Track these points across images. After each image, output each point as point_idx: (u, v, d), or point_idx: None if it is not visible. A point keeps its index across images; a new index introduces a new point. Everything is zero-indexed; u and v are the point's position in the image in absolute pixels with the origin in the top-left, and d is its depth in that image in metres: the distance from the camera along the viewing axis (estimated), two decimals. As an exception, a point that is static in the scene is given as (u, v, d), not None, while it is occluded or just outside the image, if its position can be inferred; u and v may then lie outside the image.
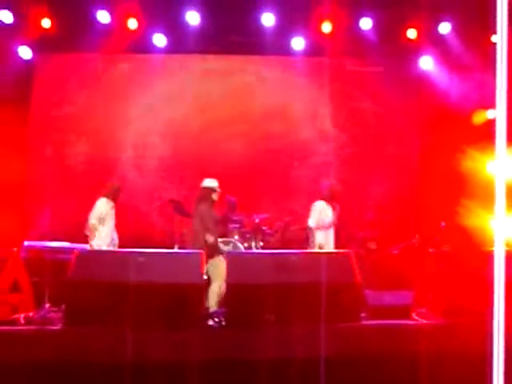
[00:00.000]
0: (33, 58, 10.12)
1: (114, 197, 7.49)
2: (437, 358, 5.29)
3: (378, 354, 5.44)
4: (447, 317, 6.01)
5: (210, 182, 7.40)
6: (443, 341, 5.53)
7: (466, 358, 5.27)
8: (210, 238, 7.01)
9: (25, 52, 9.95)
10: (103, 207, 7.33)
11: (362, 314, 6.10)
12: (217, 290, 6.81)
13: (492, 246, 5.00)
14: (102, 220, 7.28)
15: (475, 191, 8.63)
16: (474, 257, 6.51)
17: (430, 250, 7.65)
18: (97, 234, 7.22)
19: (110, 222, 7.37)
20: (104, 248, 7.17)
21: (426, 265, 7.00)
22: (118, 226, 7.63)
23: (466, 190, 8.79)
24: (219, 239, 8.17)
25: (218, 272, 6.85)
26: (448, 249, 8.05)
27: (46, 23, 9.58)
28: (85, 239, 7.29)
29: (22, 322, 6.02)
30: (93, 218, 7.23)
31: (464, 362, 5.27)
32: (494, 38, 9.24)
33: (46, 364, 5.20)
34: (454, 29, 9.76)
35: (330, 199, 7.87)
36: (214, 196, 7.33)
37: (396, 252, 8.92)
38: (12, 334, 5.56)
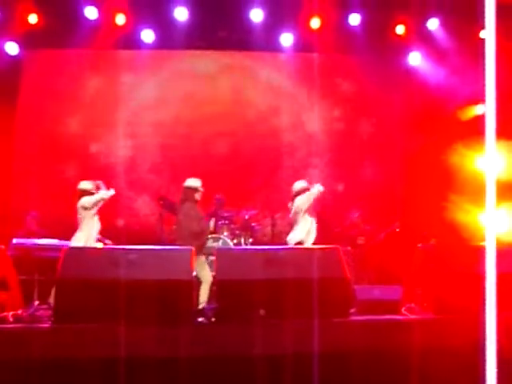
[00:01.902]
0: (20, 53, 10.04)
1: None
2: (426, 352, 5.32)
3: (368, 348, 5.45)
4: (436, 312, 6.04)
5: (192, 182, 7.30)
6: (433, 336, 5.55)
7: (455, 352, 5.32)
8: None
9: (11, 48, 9.86)
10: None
11: (352, 309, 6.12)
12: (207, 288, 6.84)
13: (481, 241, 5.02)
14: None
15: (463, 186, 8.68)
16: (463, 251, 6.55)
17: (419, 245, 7.68)
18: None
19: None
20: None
21: (414, 260, 7.02)
22: (110, 223, 7.58)
23: (454, 185, 8.84)
24: (209, 235, 8.20)
25: (204, 274, 6.88)
26: (436, 243, 8.09)
27: (32, 19, 9.51)
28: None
29: (11, 320, 5.98)
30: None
31: (454, 357, 5.30)
32: (482, 34, 9.32)
33: (35, 362, 5.16)
34: (442, 24, 9.79)
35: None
36: (197, 195, 7.25)
37: (381, 238, 8.97)
38: (0, 331, 5.52)
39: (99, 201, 6.95)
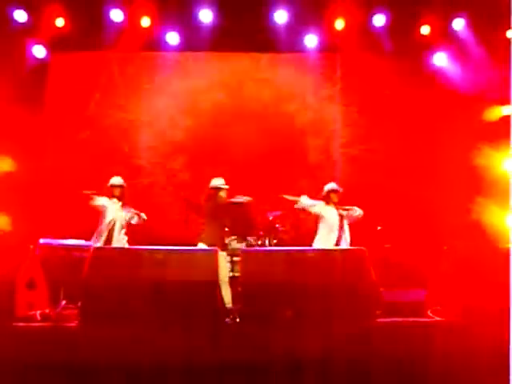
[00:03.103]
0: (47, 56, 10.17)
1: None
2: (452, 355, 5.27)
3: (394, 351, 5.42)
4: (463, 314, 5.98)
5: (213, 182, 7.55)
6: (459, 338, 5.50)
7: (481, 355, 5.26)
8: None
9: (39, 51, 9.99)
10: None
11: (378, 312, 6.08)
12: (225, 288, 6.93)
13: (507, 243, 4.97)
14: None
15: (490, 188, 8.60)
16: (489, 254, 6.49)
17: (444, 248, 7.62)
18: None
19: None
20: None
21: (440, 262, 6.97)
22: (134, 225, 7.68)
23: (480, 187, 8.76)
24: (232, 237, 8.27)
25: (222, 273, 6.95)
26: (461, 246, 8.01)
27: (59, 22, 9.62)
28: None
29: (39, 318, 6.08)
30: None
31: (479, 360, 5.25)
32: (508, 34, 9.21)
33: (61, 360, 5.23)
34: (467, 24, 9.68)
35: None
36: (222, 193, 7.43)
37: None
38: (29, 330, 5.60)
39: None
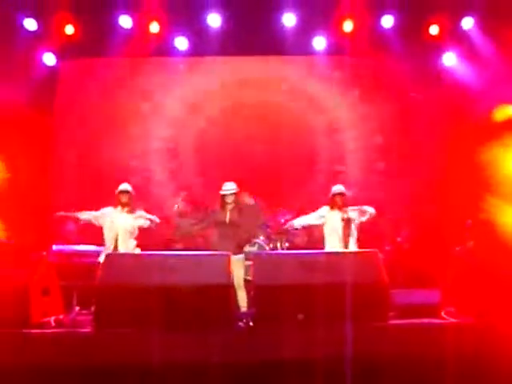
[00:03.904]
0: (57, 64, 10.26)
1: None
2: (467, 357, 5.25)
3: (407, 353, 5.40)
4: (476, 315, 5.96)
5: (223, 187, 7.48)
6: (474, 340, 5.47)
7: (496, 356, 5.23)
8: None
9: (49, 59, 10.08)
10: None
11: (391, 314, 6.07)
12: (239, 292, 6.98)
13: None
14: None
15: (500, 187, 8.57)
16: (502, 253, 6.46)
17: (457, 248, 7.59)
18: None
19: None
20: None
21: (453, 263, 6.95)
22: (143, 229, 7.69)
23: (490, 186, 8.72)
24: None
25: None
26: (474, 246, 7.98)
27: (69, 30, 9.69)
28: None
29: (53, 324, 6.12)
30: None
31: (495, 363, 5.22)
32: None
33: (76, 366, 5.26)
34: (476, 24, 9.65)
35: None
36: (227, 199, 7.38)
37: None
38: (43, 336, 5.64)
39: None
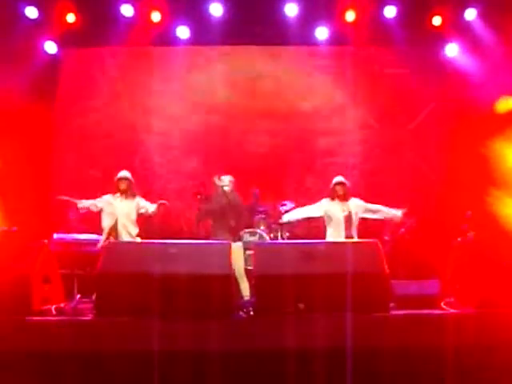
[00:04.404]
0: (58, 52, 10.23)
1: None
2: (466, 347, 5.27)
3: (407, 344, 5.42)
4: (477, 306, 5.96)
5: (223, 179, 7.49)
6: (473, 330, 5.48)
7: (496, 347, 5.25)
8: None
9: (50, 47, 10.06)
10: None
11: (391, 304, 6.07)
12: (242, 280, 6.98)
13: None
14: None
15: (503, 179, 8.57)
16: (503, 244, 6.47)
17: (458, 239, 7.59)
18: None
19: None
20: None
21: (453, 253, 6.95)
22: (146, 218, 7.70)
23: (493, 178, 8.72)
24: (246, 230, 8.29)
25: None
26: (475, 236, 7.98)
27: (70, 18, 9.66)
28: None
29: (54, 312, 6.13)
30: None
31: (495, 352, 5.24)
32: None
33: (77, 353, 5.28)
34: (479, 15, 9.60)
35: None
36: (219, 189, 7.41)
37: (403, 233, 8.83)
38: (44, 324, 5.65)
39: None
